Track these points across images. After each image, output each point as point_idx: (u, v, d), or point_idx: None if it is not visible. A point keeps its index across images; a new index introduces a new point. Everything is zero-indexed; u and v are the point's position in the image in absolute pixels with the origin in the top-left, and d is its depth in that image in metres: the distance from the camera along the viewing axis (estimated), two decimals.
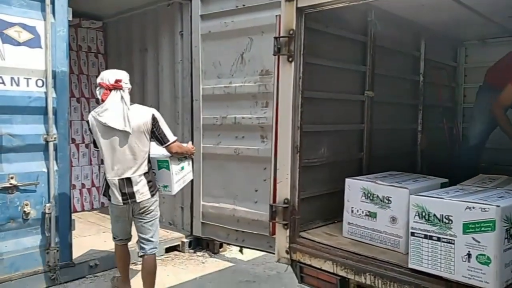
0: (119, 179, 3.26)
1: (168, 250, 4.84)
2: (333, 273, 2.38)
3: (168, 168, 3.45)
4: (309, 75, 2.77)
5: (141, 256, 3.47)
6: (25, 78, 3.63)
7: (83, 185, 6.12)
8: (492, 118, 3.67)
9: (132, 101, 3.38)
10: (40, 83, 3.70)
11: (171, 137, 3.42)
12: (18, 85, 3.60)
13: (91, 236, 4.90)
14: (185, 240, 4.93)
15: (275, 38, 2.62)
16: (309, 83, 2.78)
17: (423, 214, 2.06)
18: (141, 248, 3.46)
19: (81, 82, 6.13)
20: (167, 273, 4.33)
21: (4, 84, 3.53)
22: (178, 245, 4.92)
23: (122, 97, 3.24)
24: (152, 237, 3.45)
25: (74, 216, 4.09)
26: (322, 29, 2.92)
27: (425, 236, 2.06)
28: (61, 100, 3.82)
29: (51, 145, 3.71)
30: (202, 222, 4.85)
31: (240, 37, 4.54)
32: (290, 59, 2.59)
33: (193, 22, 4.94)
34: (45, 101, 3.70)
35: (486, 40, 4.42)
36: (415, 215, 2.09)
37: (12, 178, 3.52)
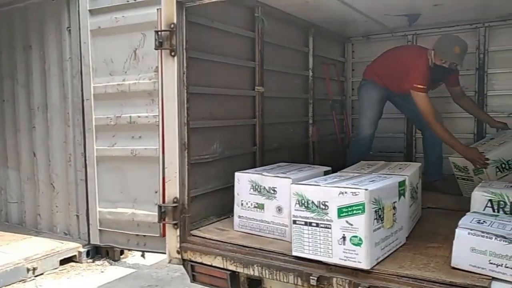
0: None
1: (63, 262, 4.50)
2: (223, 268, 2.37)
3: None
4: (195, 70, 2.73)
5: None
6: None
7: None
8: (379, 110, 3.91)
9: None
10: None
11: None
12: None
13: None
14: (82, 249, 4.62)
15: (156, 32, 2.54)
16: (196, 78, 2.74)
17: (303, 201, 2.12)
18: None
19: None
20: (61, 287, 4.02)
21: None
22: (75, 255, 4.60)
23: None
24: None
25: None
26: (208, 24, 2.89)
27: (306, 223, 2.11)
28: None
29: None
30: (99, 229, 4.59)
31: (133, 32, 4.40)
32: (173, 53, 2.53)
33: (81, 17, 4.68)
34: None
35: (369, 36, 4.75)
36: (296, 203, 2.14)
37: None
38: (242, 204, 2.60)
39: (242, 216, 2.60)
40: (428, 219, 2.80)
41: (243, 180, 2.59)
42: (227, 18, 3.09)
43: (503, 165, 3.25)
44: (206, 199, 2.90)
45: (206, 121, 2.90)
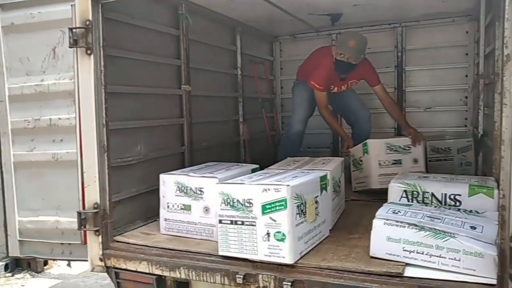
0: None
1: None
2: (148, 273, 2.30)
3: None
4: (115, 69, 2.62)
5: None
6: None
7: None
8: (309, 108, 4.03)
9: None
10: None
11: None
12: None
13: None
14: None
15: (70, 29, 2.41)
16: (116, 77, 2.64)
17: (228, 200, 2.11)
18: None
19: None
20: None
21: None
22: None
23: None
24: None
25: None
26: (127, 20, 2.79)
27: (231, 222, 2.10)
28: None
29: None
30: (19, 240, 4.25)
31: (51, 29, 4.12)
32: (89, 52, 2.40)
33: None
34: None
35: (296, 35, 4.86)
36: (222, 203, 2.12)
37: None
38: (168, 207, 2.53)
39: (168, 219, 2.54)
40: (351, 211, 2.91)
41: (168, 182, 2.53)
42: (149, 15, 3.00)
43: (354, 161, 3.50)
44: (131, 203, 2.80)
45: (128, 121, 2.80)
